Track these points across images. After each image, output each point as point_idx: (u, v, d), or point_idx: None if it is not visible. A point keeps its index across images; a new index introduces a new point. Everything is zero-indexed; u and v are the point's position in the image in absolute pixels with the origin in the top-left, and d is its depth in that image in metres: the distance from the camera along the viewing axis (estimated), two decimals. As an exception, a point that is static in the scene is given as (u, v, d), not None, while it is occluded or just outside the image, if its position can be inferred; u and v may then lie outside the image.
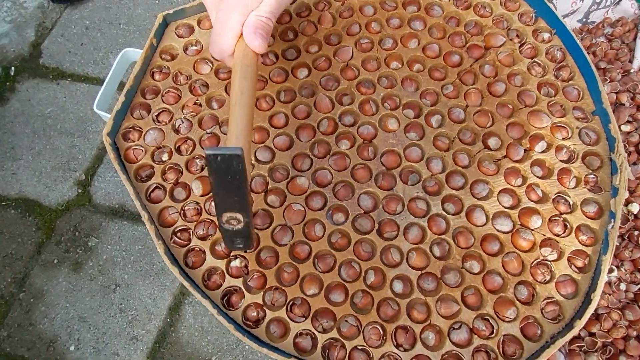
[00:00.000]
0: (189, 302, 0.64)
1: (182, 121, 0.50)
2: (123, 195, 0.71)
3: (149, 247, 0.67)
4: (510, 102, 0.50)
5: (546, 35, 0.53)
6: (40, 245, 0.68)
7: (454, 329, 0.41)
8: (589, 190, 0.45)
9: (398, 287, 0.43)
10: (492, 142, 0.48)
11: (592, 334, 0.56)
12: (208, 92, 0.52)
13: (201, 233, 0.45)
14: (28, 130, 0.77)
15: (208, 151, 0.32)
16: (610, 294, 0.57)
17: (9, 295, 0.65)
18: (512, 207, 0.45)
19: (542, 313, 0.41)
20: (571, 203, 0.45)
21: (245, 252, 0.44)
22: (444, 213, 0.45)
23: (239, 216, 0.36)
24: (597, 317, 0.57)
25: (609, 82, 0.69)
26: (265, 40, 0.42)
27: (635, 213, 0.60)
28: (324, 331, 0.41)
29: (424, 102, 0.50)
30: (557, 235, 0.44)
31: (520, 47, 0.52)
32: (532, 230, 0.44)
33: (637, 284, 0.58)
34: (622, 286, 0.57)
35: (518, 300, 0.42)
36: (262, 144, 0.49)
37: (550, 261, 0.43)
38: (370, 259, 0.44)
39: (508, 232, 0.44)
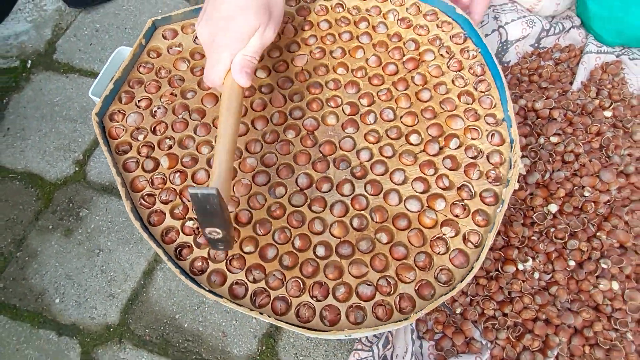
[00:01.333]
0: (161, 268, 0.73)
1: (159, 107, 0.60)
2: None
3: (130, 219, 0.76)
4: (433, 107, 0.59)
5: (472, 53, 0.62)
6: (38, 213, 0.79)
7: (363, 285, 0.50)
8: (489, 182, 0.54)
9: (320, 251, 0.52)
10: (414, 138, 0.57)
11: (505, 314, 0.64)
12: (183, 85, 0.62)
13: (164, 198, 0.55)
14: (37, 115, 0.88)
15: (191, 190, 0.41)
16: (524, 281, 0.65)
17: (8, 254, 0.75)
18: (422, 192, 0.54)
19: (435, 278, 0.50)
20: (473, 192, 0.54)
21: (226, 249, 0.50)
22: (366, 193, 0.54)
23: (218, 230, 0.45)
24: (510, 300, 0.65)
25: (545, 99, 0.77)
26: (250, 77, 0.50)
27: (553, 213, 0.68)
28: (254, 281, 0.50)
29: (361, 103, 0.60)
30: (457, 217, 0.52)
31: (448, 62, 0.62)
32: (436, 211, 0.53)
33: (548, 274, 0.65)
34: (536, 275, 0.65)
35: (417, 266, 0.50)
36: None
37: (448, 237, 0.51)
38: (300, 227, 0.53)
39: (416, 212, 0.53)
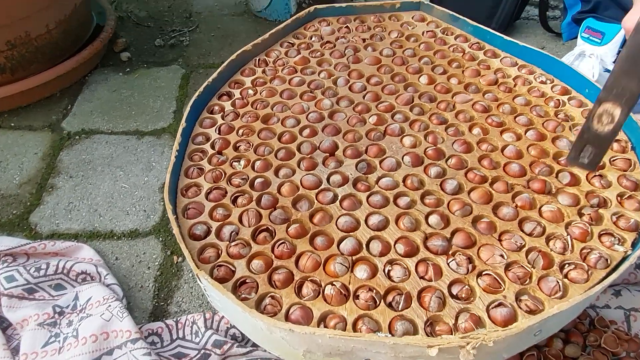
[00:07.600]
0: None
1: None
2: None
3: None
4: (470, 205, 0.51)
5: (611, 243, 0.46)
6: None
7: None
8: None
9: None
10: (433, 220, 0.50)
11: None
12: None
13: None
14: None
15: None
16: None
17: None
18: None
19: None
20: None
21: (588, 168, 0.37)
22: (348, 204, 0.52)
23: (617, 113, 0.30)
24: None
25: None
26: None
27: None
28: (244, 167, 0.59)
29: (448, 165, 0.56)
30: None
31: (546, 208, 0.49)
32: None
33: None
34: None
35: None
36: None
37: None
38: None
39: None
